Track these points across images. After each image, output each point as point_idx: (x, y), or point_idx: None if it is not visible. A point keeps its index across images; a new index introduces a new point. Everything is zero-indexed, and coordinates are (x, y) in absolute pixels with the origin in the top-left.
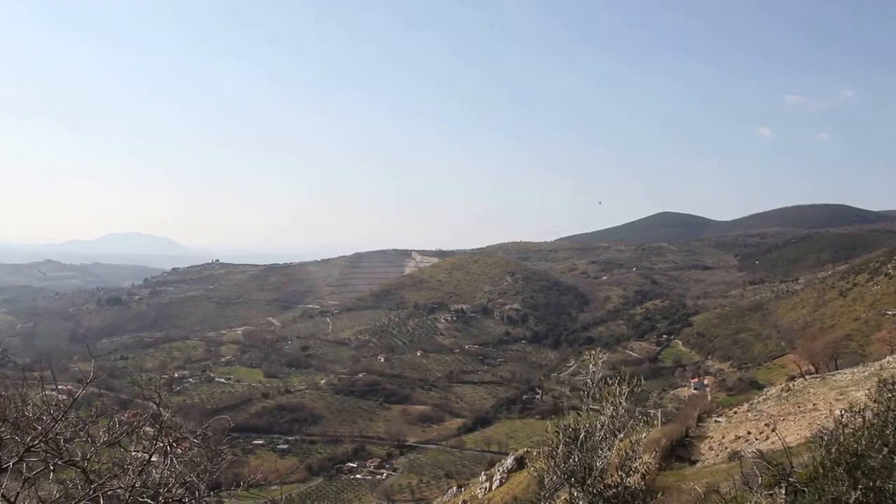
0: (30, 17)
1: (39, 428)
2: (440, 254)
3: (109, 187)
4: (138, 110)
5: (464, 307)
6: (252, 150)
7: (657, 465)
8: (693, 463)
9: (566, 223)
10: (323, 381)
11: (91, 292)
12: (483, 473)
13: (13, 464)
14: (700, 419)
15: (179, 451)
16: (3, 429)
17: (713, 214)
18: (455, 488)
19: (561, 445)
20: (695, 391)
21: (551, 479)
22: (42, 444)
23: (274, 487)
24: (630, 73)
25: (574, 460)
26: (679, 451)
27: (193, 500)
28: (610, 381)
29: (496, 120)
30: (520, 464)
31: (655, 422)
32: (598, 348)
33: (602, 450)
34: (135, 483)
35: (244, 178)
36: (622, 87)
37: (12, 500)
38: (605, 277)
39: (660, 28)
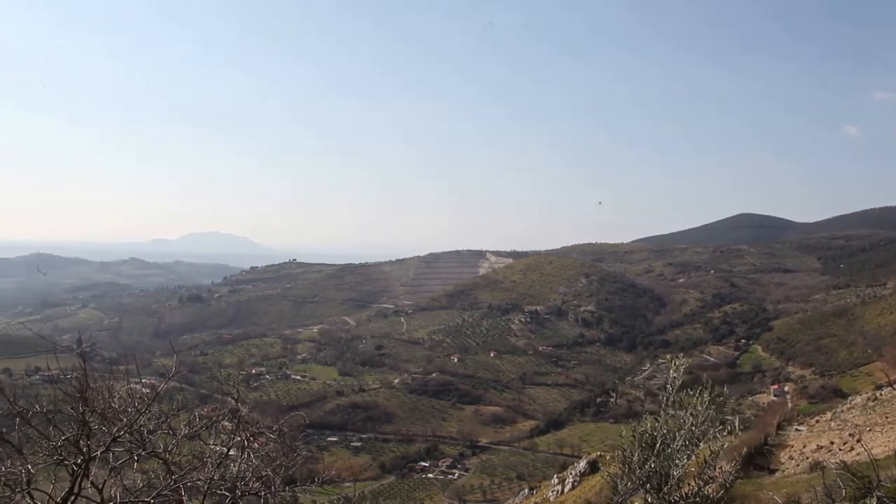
0: (129, 27)
1: (125, 419)
2: (514, 254)
3: (192, 189)
4: (221, 115)
5: (538, 308)
6: (326, 152)
7: (736, 474)
8: (772, 472)
9: (642, 224)
10: (396, 381)
11: (173, 290)
12: (555, 476)
13: (101, 453)
14: (780, 427)
15: (256, 445)
16: (91, 419)
17: (795, 216)
18: (526, 490)
19: (637, 451)
20: (774, 398)
21: (625, 485)
22: (127, 435)
23: (347, 484)
24: (711, 73)
25: (650, 466)
26: (757, 460)
27: (269, 494)
28: (690, 389)
29: (574, 120)
30: (593, 468)
31: (734, 429)
32: (676, 352)
33: (680, 457)
34: (213, 475)
35: (320, 179)
36: (703, 88)
37: (100, 487)
38: (681, 280)
39: (742, 28)
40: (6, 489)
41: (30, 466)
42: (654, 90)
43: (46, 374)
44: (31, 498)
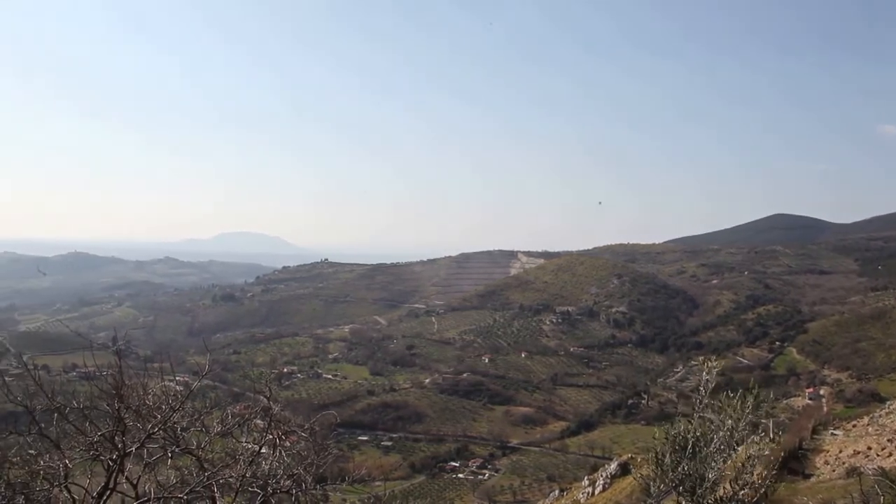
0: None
1: (159, 416)
2: (546, 255)
3: (226, 189)
4: (256, 116)
5: (569, 309)
6: (358, 152)
7: (775, 480)
8: (807, 477)
9: (675, 225)
10: (427, 380)
11: (207, 289)
12: (586, 478)
13: (135, 449)
14: (815, 431)
15: (288, 443)
16: (126, 416)
17: (831, 217)
18: (557, 491)
19: (669, 453)
20: (809, 401)
21: (658, 488)
22: (161, 432)
23: (377, 483)
24: (746, 74)
25: (683, 469)
26: (792, 464)
27: (300, 492)
28: (725, 391)
29: (606, 121)
30: (624, 470)
31: (774, 434)
32: (709, 354)
33: (716, 461)
34: (245, 473)
35: (351, 179)
36: (737, 88)
37: (134, 482)
38: (715, 281)
39: (775, 29)
40: (45, 482)
41: (67, 461)
42: (686, 91)
43: (83, 370)
44: (69, 492)
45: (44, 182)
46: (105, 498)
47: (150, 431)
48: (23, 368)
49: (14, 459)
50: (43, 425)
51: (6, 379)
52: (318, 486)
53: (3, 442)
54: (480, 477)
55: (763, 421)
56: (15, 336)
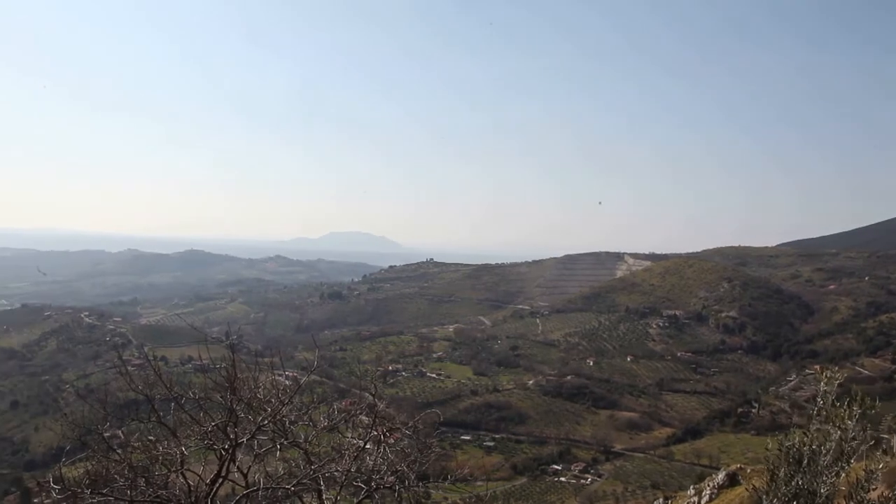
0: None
1: (269, 409)
2: (653, 257)
3: (336, 190)
4: (364, 123)
5: (677, 313)
6: (457, 155)
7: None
8: None
9: (789, 227)
10: (531, 382)
11: (315, 287)
12: (692, 487)
13: (246, 440)
14: None
15: (392, 440)
16: (238, 408)
17: None
18: (661, 499)
19: (783, 466)
20: None
21: (770, 501)
22: (271, 425)
23: (479, 483)
24: (882, 65)
25: (797, 483)
26: None
27: (403, 489)
28: (837, 401)
29: (718, 119)
30: (732, 480)
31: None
32: (825, 363)
33: (828, 475)
34: (350, 467)
35: (449, 181)
36: (845, 87)
37: (245, 472)
38: (832, 286)
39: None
40: (163, 468)
41: (183, 448)
42: (789, 91)
43: (198, 363)
44: (184, 478)
45: (170, 184)
46: (217, 485)
47: (261, 424)
48: (144, 359)
49: (135, 445)
50: (161, 413)
51: (129, 369)
52: (420, 484)
53: (126, 428)
54: (583, 481)
55: (885, 436)
56: (136, 329)
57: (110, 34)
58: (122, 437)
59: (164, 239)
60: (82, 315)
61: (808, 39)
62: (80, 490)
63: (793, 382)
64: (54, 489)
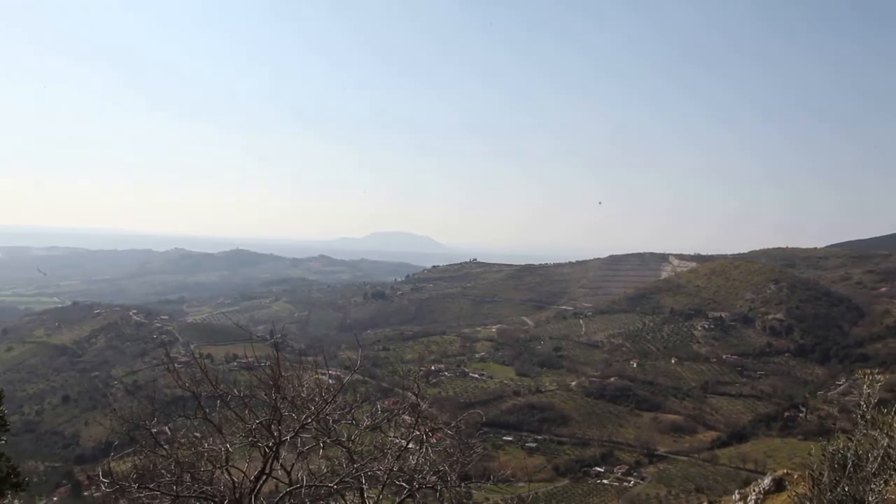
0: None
1: (312, 408)
2: (698, 258)
3: (379, 190)
4: (412, 125)
5: (722, 315)
6: (499, 156)
7: None
8: None
9: (839, 228)
10: (574, 383)
11: (358, 286)
12: (737, 492)
13: (290, 438)
14: None
15: (434, 440)
16: (282, 406)
17: None
18: (705, 503)
19: (827, 472)
20: None
21: None
22: (314, 423)
23: (521, 484)
24: None
25: (842, 490)
26: None
27: (444, 488)
28: (885, 407)
29: (761, 118)
30: (778, 486)
31: None
32: (876, 367)
33: (877, 482)
34: (393, 467)
35: (493, 181)
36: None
37: (288, 469)
38: (884, 289)
39: None
40: (209, 464)
41: (228, 445)
42: (839, 96)
43: (243, 361)
44: (229, 474)
45: (218, 186)
46: (261, 482)
47: (304, 422)
48: (190, 357)
49: (182, 441)
50: (207, 410)
51: (176, 366)
52: (462, 484)
53: (173, 424)
54: (626, 484)
55: None
56: (183, 327)
57: (168, 34)
58: (169, 433)
59: (211, 238)
60: (130, 313)
61: (853, 38)
62: (127, 484)
63: (842, 387)
64: (103, 482)
